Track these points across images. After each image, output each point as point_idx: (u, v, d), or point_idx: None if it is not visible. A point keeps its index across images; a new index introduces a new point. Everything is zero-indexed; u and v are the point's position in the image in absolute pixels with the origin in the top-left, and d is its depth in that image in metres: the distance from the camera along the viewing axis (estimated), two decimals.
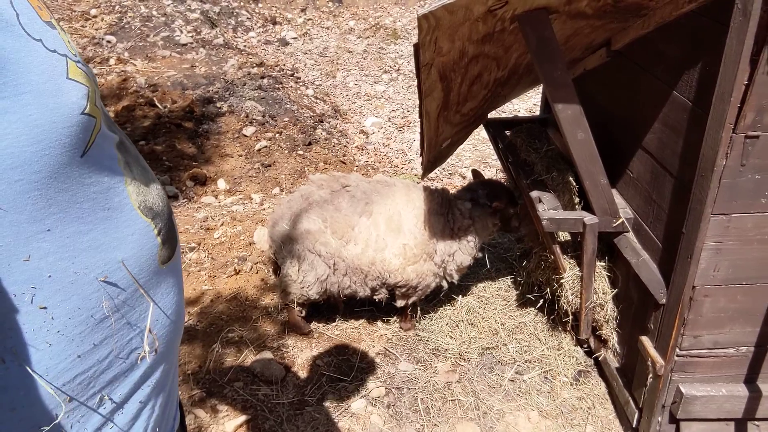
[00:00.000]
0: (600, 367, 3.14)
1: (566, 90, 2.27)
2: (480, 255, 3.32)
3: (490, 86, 2.76)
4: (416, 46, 1.96)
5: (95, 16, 8.54)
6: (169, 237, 1.06)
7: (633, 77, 2.65)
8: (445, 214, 3.14)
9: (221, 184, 5.30)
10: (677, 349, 2.37)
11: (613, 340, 2.96)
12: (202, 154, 5.54)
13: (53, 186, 0.85)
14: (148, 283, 1.02)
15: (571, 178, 2.89)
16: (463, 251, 3.19)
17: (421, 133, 2.67)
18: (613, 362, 2.97)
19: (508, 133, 3.54)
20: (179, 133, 5.74)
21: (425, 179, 5.11)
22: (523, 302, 3.55)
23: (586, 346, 3.23)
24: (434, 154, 3.24)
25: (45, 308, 0.87)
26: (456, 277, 3.31)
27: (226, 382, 2.99)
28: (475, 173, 3.49)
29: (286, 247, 3.11)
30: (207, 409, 2.83)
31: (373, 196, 3.13)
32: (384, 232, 3.06)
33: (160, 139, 5.62)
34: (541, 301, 3.30)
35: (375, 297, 3.23)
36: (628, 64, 2.68)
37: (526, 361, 3.21)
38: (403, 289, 3.19)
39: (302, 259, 3.05)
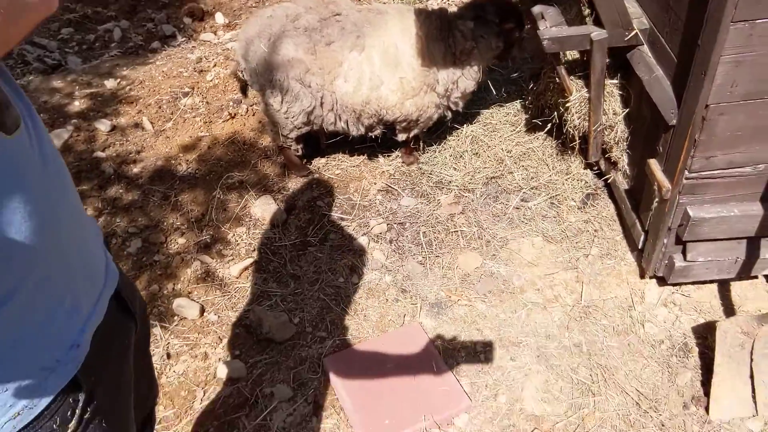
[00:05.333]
0: (610, 189, 3.04)
1: None
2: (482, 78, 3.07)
3: None
4: None
5: None
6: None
7: None
8: (445, 38, 2.84)
9: (219, 18, 4.96)
10: (686, 172, 2.22)
11: (624, 161, 2.81)
12: None
13: None
14: None
15: None
16: (467, 77, 2.95)
17: None
18: (623, 184, 2.85)
19: None
20: None
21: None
22: (531, 127, 3.36)
23: (596, 168, 3.10)
24: None
25: None
26: (461, 105, 3.11)
27: (229, 227, 3.01)
28: None
29: (264, 73, 2.85)
30: (213, 254, 2.88)
31: (365, 27, 2.82)
32: (379, 68, 2.81)
33: None
34: (549, 125, 3.10)
35: (370, 134, 3.08)
36: None
37: (532, 188, 3.11)
38: (404, 124, 3.02)
39: (286, 89, 2.84)
